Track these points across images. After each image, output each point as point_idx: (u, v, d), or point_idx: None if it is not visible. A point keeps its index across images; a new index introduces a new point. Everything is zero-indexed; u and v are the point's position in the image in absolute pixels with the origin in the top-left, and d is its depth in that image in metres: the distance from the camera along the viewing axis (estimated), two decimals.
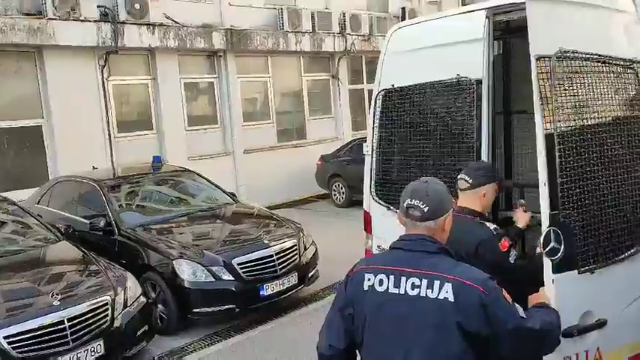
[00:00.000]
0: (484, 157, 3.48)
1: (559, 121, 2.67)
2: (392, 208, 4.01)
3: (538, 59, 2.62)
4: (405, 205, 2.13)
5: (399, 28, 4.16)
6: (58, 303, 4.54)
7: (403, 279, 2.03)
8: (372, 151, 4.19)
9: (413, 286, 2.00)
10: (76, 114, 9.69)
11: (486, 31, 3.47)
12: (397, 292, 2.03)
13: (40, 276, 5.06)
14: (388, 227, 4.10)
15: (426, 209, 2.08)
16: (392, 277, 2.05)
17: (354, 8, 14.44)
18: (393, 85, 4.02)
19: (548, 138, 2.65)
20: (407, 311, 2.00)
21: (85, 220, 6.52)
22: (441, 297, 1.96)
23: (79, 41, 9.44)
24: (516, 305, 2.03)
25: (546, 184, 2.62)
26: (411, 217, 2.11)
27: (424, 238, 2.09)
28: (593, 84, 2.82)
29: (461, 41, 3.61)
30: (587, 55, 2.79)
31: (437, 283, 1.98)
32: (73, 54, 9.61)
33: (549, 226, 2.61)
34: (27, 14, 9.01)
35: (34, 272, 5.11)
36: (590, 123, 2.81)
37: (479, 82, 3.49)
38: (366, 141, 4.31)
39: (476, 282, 1.97)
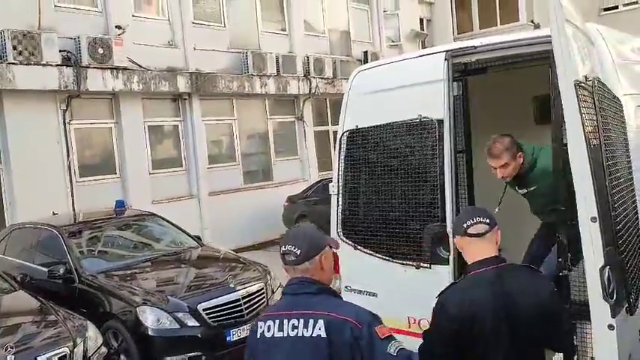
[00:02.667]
0: (448, 194, 3.54)
1: (605, 148, 2.50)
2: (359, 247, 4.00)
3: (577, 85, 2.36)
4: (281, 252, 2.26)
5: (362, 70, 4.25)
6: (13, 357, 4.32)
7: (285, 322, 2.16)
8: (338, 191, 4.20)
9: (293, 328, 2.14)
10: (37, 159, 9.47)
11: (445, 72, 3.58)
12: (281, 335, 2.16)
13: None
14: (355, 267, 4.09)
15: (298, 252, 2.21)
16: (277, 322, 2.19)
17: (318, 52, 14.73)
18: (357, 126, 4.07)
19: (596, 163, 2.36)
20: (288, 352, 2.13)
21: (44, 268, 6.30)
22: (314, 334, 2.09)
23: (40, 85, 9.32)
24: (396, 340, 2.12)
25: (598, 217, 2.30)
26: (288, 263, 2.24)
27: (304, 281, 2.23)
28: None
29: (422, 82, 3.71)
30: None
31: (311, 321, 2.11)
32: (34, 98, 9.46)
33: (605, 265, 2.30)
34: None
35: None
36: (614, 149, 2.72)
37: (440, 121, 3.57)
38: (332, 181, 4.33)
39: (348, 316, 2.10)
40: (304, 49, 14.35)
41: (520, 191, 3.75)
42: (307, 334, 2.10)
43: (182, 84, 11.44)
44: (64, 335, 4.79)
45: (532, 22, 17.63)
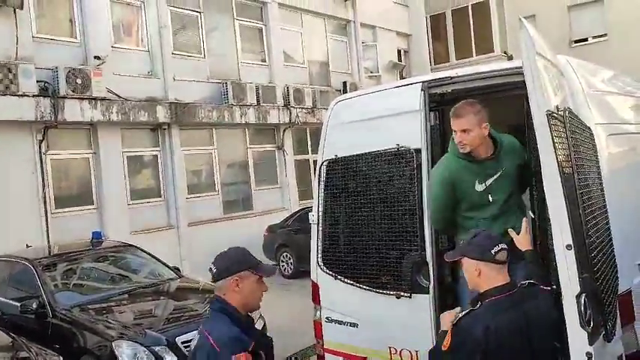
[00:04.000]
0: (426, 223, 3.55)
1: (578, 176, 2.52)
2: (339, 277, 3.98)
3: (550, 115, 2.40)
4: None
5: (340, 100, 4.29)
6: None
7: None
8: (318, 220, 4.19)
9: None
10: (11, 189, 9.31)
11: (422, 102, 3.63)
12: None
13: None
14: (336, 297, 4.06)
15: (214, 271, 2.50)
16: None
17: (298, 82, 14.88)
18: (336, 156, 4.09)
19: (570, 192, 2.38)
20: None
21: (16, 303, 6.12)
22: (193, 348, 2.44)
23: (16, 116, 9.22)
24: None
25: (573, 245, 2.32)
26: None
27: (216, 299, 2.51)
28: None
29: (399, 112, 3.76)
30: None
31: (198, 335, 2.43)
32: (9, 128, 9.34)
33: (582, 293, 2.31)
34: None
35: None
36: (587, 177, 2.76)
37: (418, 150, 3.61)
38: (312, 210, 4.32)
39: (213, 336, 2.31)
40: (284, 79, 14.49)
41: (480, 186, 3.33)
42: (193, 347, 2.45)
43: (162, 114, 11.42)
44: None
45: (505, 53, 18.09)
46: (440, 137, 4.11)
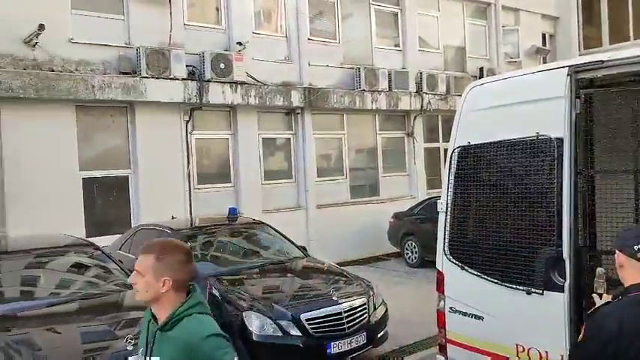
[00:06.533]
0: (565, 218, 3.32)
1: None
2: (466, 267, 3.87)
3: None
4: None
5: (476, 85, 4.13)
6: (132, 348, 4.62)
7: None
8: (447, 209, 4.10)
9: None
10: (160, 165, 10.22)
11: (568, 88, 3.38)
12: None
13: (116, 320, 5.20)
14: (462, 287, 3.96)
15: None
16: None
17: (431, 68, 14.56)
18: (469, 143, 3.96)
19: None
20: None
21: None
22: None
23: (167, 98, 10.06)
24: None
25: None
26: None
27: None
28: None
29: (541, 99, 3.53)
30: None
31: None
32: (161, 109, 10.23)
33: None
34: (123, 73, 9.75)
35: (112, 316, 5.26)
36: None
37: (560, 140, 3.37)
38: (440, 199, 4.23)
39: None
40: (417, 64, 14.25)
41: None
42: None
43: (296, 98, 11.81)
44: None
45: None
46: (585, 126, 3.80)
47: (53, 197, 8.99)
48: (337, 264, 8.14)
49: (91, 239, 7.65)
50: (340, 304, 5.97)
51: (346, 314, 5.92)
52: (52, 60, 9.15)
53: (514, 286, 3.57)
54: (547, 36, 18.66)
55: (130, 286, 5.80)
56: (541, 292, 3.41)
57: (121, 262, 6.59)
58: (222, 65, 10.56)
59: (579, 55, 16.96)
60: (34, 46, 8.91)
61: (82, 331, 4.96)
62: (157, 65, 9.82)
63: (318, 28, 12.93)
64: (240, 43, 11.13)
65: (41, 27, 8.68)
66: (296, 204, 12.30)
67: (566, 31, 18.65)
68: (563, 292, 3.32)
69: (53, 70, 9.09)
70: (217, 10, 11.41)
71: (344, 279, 6.80)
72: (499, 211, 3.74)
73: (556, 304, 3.32)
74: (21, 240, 7.15)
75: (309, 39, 12.50)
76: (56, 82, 8.90)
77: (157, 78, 9.86)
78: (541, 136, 3.46)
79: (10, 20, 8.72)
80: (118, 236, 8.57)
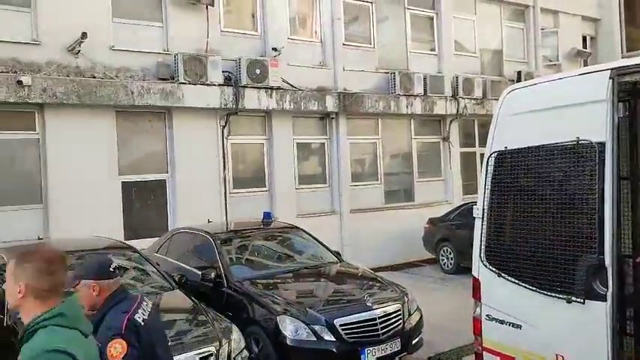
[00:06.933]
0: (607, 225, 3.22)
1: None
2: (503, 274, 3.80)
3: None
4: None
5: (513, 89, 4.07)
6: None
7: None
8: (483, 215, 4.03)
9: None
10: (197, 170, 10.38)
11: (610, 91, 3.29)
12: None
13: None
14: (499, 295, 3.89)
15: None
16: None
17: (467, 72, 14.38)
18: (506, 148, 3.89)
19: None
20: None
21: (197, 271, 6.80)
22: None
23: (204, 103, 10.22)
24: None
25: None
26: None
27: None
28: None
29: (581, 102, 3.45)
30: None
31: None
32: (198, 114, 10.40)
33: None
34: (161, 79, 9.96)
35: None
36: None
37: (601, 145, 3.28)
38: (476, 204, 4.17)
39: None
40: (453, 68, 14.11)
41: None
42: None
43: (330, 103, 11.83)
44: (211, 335, 5.12)
45: None
46: (627, 131, 3.70)
47: (93, 200, 9.23)
48: (371, 269, 8.10)
49: (129, 242, 7.82)
50: (374, 309, 5.94)
51: (380, 320, 5.88)
52: (93, 67, 9.41)
53: (553, 295, 3.48)
54: (588, 38, 18.21)
55: (167, 289, 5.95)
56: (582, 300, 3.32)
57: (158, 265, 6.72)
58: (257, 71, 10.67)
59: (622, 58, 16.49)
60: (77, 53, 9.19)
61: None
62: (194, 71, 9.99)
63: (353, 33, 12.93)
64: (275, 49, 11.23)
65: (84, 35, 8.95)
66: (330, 209, 12.30)
67: (607, 33, 18.17)
68: (605, 301, 3.22)
69: (95, 77, 9.35)
70: (253, 16, 11.54)
71: (378, 284, 6.76)
72: (537, 217, 3.66)
73: (598, 314, 3.23)
74: (62, 243, 7.35)
75: (344, 44, 12.51)
76: (97, 89, 9.15)
77: (194, 84, 10.04)
78: (582, 140, 3.38)
79: (54, 30, 9.02)
80: (155, 239, 8.72)
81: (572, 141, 3.43)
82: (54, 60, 9.08)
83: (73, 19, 9.09)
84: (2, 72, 8.57)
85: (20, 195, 8.96)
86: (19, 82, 8.45)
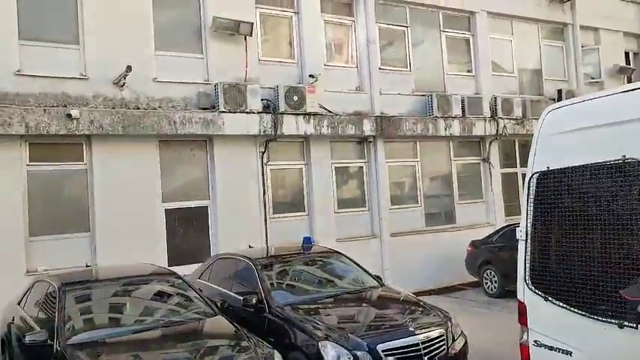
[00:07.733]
0: None
1: None
2: (550, 298, 3.70)
3: None
4: None
5: (554, 108, 4.01)
6: None
7: None
8: (527, 237, 3.95)
9: None
10: (237, 196, 10.53)
11: None
12: None
13: (196, 347, 5.34)
14: (546, 319, 3.78)
15: None
16: None
17: (506, 92, 14.23)
18: (548, 168, 3.82)
19: None
20: None
21: (239, 297, 6.85)
22: None
23: (243, 131, 10.42)
24: None
25: None
26: None
27: None
28: None
29: (626, 120, 3.37)
30: None
31: None
32: (238, 142, 10.59)
33: None
34: (202, 108, 10.22)
35: (192, 344, 5.42)
36: None
37: None
38: (519, 226, 4.09)
39: None
40: (491, 89, 13.99)
41: None
42: None
43: (367, 127, 11.87)
44: None
45: None
46: None
47: (138, 228, 9.47)
48: (413, 293, 7.98)
49: (172, 268, 7.96)
50: (417, 335, 5.85)
51: (423, 345, 5.78)
52: (137, 98, 9.74)
53: (604, 319, 3.36)
54: (631, 54, 17.79)
55: (210, 315, 6.01)
56: (635, 326, 3.20)
57: (201, 291, 6.81)
58: (295, 97, 10.83)
59: None
60: (122, 86, 9.54)
61: (164, 357, 5.13)
62: (234, 100, 10.23)
63: (389, 57, 13.00)
64: (312, 76, 11.39)
65: (129, 69, 9.30)
66: (370, 232, 12.24)
67: None
68: None
69: (139, 108, 9.68)
70: (290, 44, 11.77)
71: (421, 309, 6.65)
72: (584, 239, 3.57)
73: None
74: (109, 269, 7.55)
75: (380, 68, 12.59)
76: (141, 119, 9.46)
77: (234, 112, 10.26)
78: (628, 159, 3.29)
79: (101, 65, 9.41)
80: (197, 265, 8.85)
81: (618, 160, 3.35)
82: (100, 93, 9.45)
83: (118, 54, 9.46)
84: (53, 106, 8.97)
85: (69, 223, 9.28)
86: (69, 116, 8.84)
